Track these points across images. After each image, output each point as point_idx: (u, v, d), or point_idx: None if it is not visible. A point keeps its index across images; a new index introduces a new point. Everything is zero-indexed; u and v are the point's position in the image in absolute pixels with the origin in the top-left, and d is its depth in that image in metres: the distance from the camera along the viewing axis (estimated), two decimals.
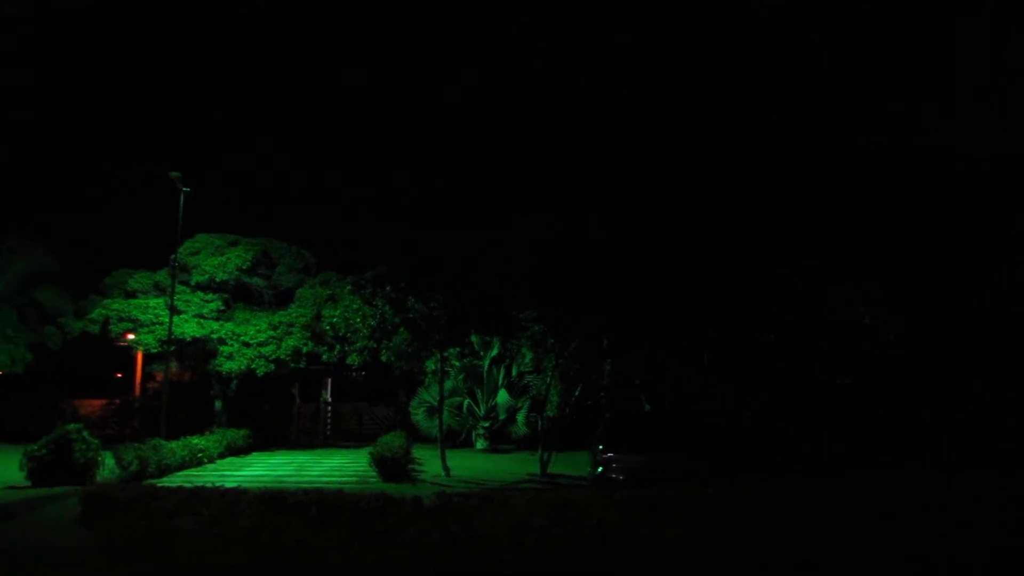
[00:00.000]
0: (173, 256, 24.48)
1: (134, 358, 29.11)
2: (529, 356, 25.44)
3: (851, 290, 19.86)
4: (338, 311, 20.80)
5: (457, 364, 24.21)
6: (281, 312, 26.60)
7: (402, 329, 18.60)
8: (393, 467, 17.43)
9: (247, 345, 25.41)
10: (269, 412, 28.96)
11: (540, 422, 21.23)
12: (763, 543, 8.22)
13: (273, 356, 25.36)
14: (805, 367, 21.01)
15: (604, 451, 14.71)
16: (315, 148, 61.86)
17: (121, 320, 25.45)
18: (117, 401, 31.16)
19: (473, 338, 20.49)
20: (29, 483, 15.97)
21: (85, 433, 16.83)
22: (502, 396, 27.34)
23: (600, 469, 14.61)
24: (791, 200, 21.63)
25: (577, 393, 20.10)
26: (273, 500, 7.93)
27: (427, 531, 7.74)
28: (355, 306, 19.32)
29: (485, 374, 27.64)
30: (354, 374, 31.18)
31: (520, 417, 26.93)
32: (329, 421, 31.63)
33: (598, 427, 16.80)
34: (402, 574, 7.38)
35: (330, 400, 31.83)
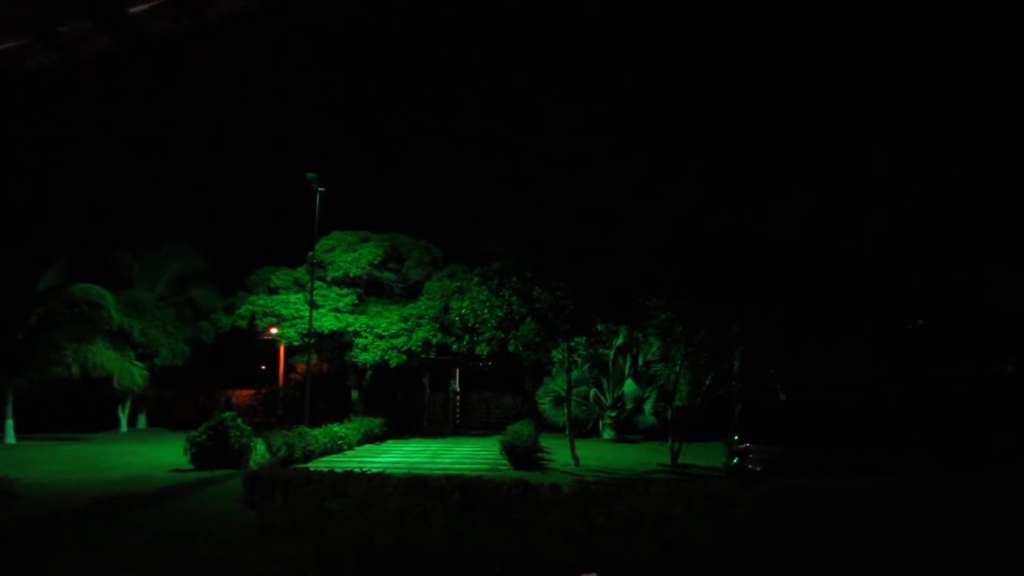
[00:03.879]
0: (311, 253, 25.82)
1: (277, 350, 31.00)
2: (656, 345, 24.99)
3: (1008, 271, 18.13)
4: (466, 302, 21.21)
5: (584, 353, 24.12)
6: (411, 305, 27.50)
7: (529, 319, 18.72)
8: (523, 455, 17.60)
9: (380, 337, 26.46)
10: (401, 401, 30.06)
11: (669, 412, 20.80)
12: (924, 542, 7.64)
13: (404, 347, 26.27)
14: (958, 354, 19.41)
15: (740, 441, 14.21)
16: (438, 142, 63.47)
17: (266, 315, 27.17)
18: (263, 391, 33.38)
19: (600, 327, 20.28)
20: (192, 466, 17.34)
21: (239, 421, 18.09)
22: (629, 386, 27.03)
23: (736, 460, 14.13)
24: (940, 176, 19.99)
25: (708, 382, 19.50)
26: (417, 485, 8.18)
27: (567, 518, 7.71)
28: (482, 297, 19.63)
29: (611, 363, 27.42)
30: (481, 364, 31.81)
31: (647, 407, 26.53)
32: (458, 410, 32.44)
33: (732, 417, 16.23)
34: (543, 560, 7.39)
35: (458, 390, 32.64)
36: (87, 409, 29.85)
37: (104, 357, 26.38)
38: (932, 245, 18.50)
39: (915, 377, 19.36)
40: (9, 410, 24.52)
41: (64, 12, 6.64)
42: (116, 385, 27.89)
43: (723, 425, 19.86)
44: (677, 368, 19.95)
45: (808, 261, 18.09)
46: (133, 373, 27.79)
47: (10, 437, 24.33)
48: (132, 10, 7.00)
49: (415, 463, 18.75)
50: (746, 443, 14.13)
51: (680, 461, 18.54)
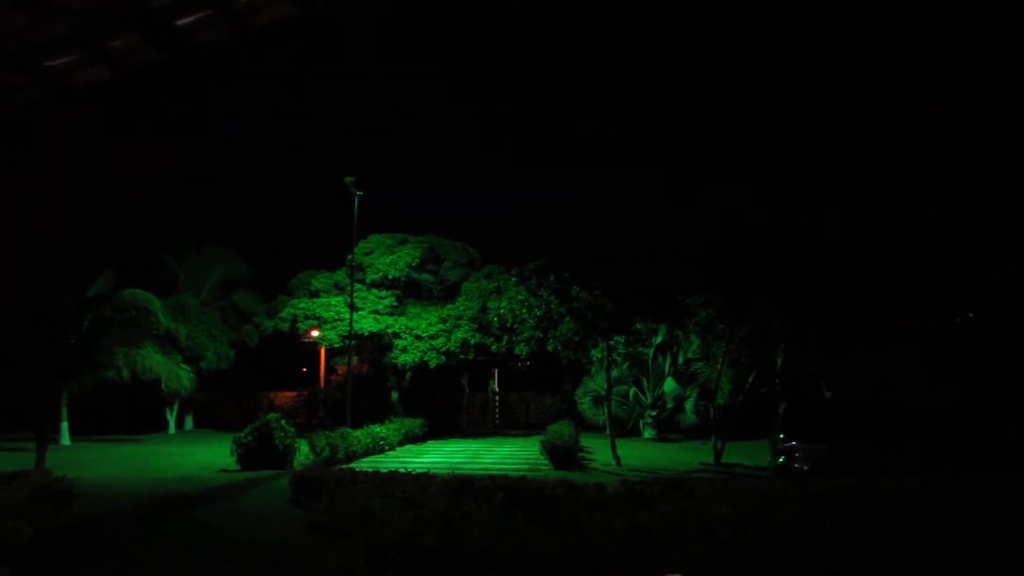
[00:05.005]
0: (350, 256, 26.14)
1: (318, 353, 31.41)
2: (697, 343, 24.73)
3: None
4: (504, 302, 21.28)
5: (623, 352, 24.00)
6: (449, 306, 27.66)
7: (567, 318, 18.70)
8: (564, 455, 17.58)
9: (419, 338, 26.66)
10: (441, 402, 30.22)
11: (711, 410, 20.57)
12: (982, 543, 7.43)
13: (443, 348, 26.43)
14: (1014, 349, 18.81)
15: (786, 440, 13.99)
16: (472, 143, 63.74)
17: (307, 318, 27.59)
18: (305, 393, 33.87)
19: (639, 325, 20.15)
20: (238, 467, 17.69)
21: (283, 422, 18.40)
22: (669, 384, 26.82)
23: (782, 459, 13.91)
24: (989, 169, 19.42)
25: (751, 380, 19.24)
26: (461, 485, 8.22)
27: (611, 518, 7.68)
28: (520, 297, 19.66)
29: (650, 362, 27.24)
30: (519, 364, 31.85)
31: (689, 405, 26.28)
32: (497, 410, 32.52)
33: (776, 415, 15.97)
34: (588, 560, 7.37)
35: (497, 390, 32.71)
36: (137, 411, 30.64)
37: (153, 360, 27.08)
38: (984, 238, 17.99)
39: (971, 374, 18.82)
40: (64, 413, 25.33)
41: (115, 26, 6.85)
42: (164, 388, 28.59)
43: (766, 424, 19.55)
44: (718, 366, 19.73)
45: (851, 257, 17.73)
46: (180, 376, 28.47)
47: (65, 439, 25.13)
48: (179, 22, 7.19)
49: (456, 463, 18.85)
50: (792, 441, 13.90)
51: (723, 460, 18.34)
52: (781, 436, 14.20)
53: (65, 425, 25.36)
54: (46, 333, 15.96)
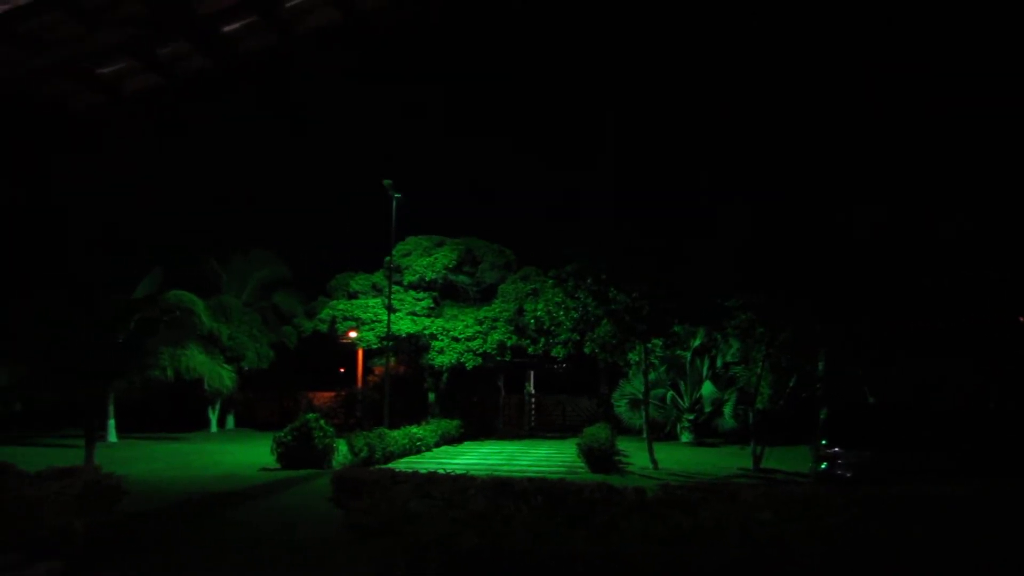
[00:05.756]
0: (388, 258, 26.39)
1: (355, 354, 31.75)
2: (735, 346, 24.43)
3: None
4: (540, 304, 21.25)
5: (660, 355, 23.81)
6: (486, 308, 27.74)
7: (605, 321, 18.60)
8: (601, 458, 17.49)
9: (456, 340, 26.80)
10: (477, 403, 30.31)
11: (750, 415, 20.29)
12: None
13: (480, 350, 26.53)
14: None
15: (829, 445, 13.72)
16: (509, 145, 63.86)
17: (345, 319, 27.92)
18: (343, 393, 34.23)
19: (677, 328, 19.96)
20: (278, 466, 17.96)
21: (322, 422, 18.64)
22: (707, 388, 26.53)
23: (824, 465, 13.65)
24: None
25: (791, 384, 18.93)
26: (500, 487, 8.24)
27: (651, 522, 7.62)
28: (557, 299, 19.63)
29: (688, 365, 26.97)
30: (555, 367, 31.80)
31: (727, 410, 25.95)
32: (533, 412, 32.50)
33: (817, 420, 15.70)
34: (628, 564, 7.32)
35: (533, 392, 32.70)
36: (180, 410, 31.29)
37: (196, 360, 27.64)
38: None
39: (1018, 377, 18.25)
40: (111, 411, 26.02)
41: (165, 34, 7.03)
42: (206, 387, 29.17)
43: (807, 429, 19.22)
44: (758, 370, 19.45)
45: (896, 261, 17.33)
46: (222, 375, 29.01)
47: (112, 436, 25.81)
48: (225, 29, 7.35)
49: (493, 465, 18.87)
50: (835, 447, 13.63)
51: (762, 466, 18.07)
52: (824, 442, 13.94)
53: (112, 423, 26.04)
54: (95, 333, 16.41)
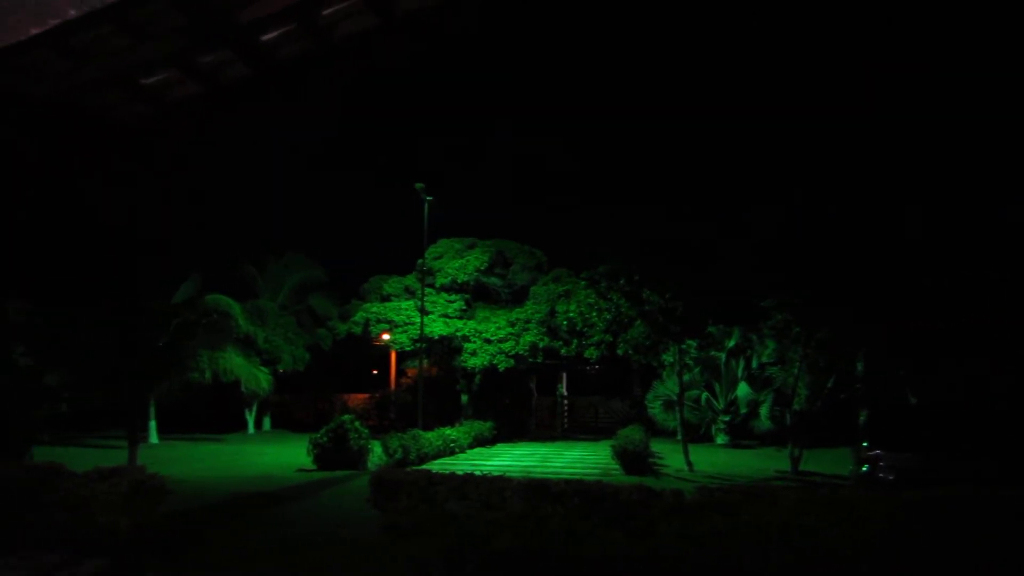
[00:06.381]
0: (420, 261, 26.56)
1: (388, 356, 32.00)
2: (771, 346, 24.11)
3: None
4: (572, 306, 21.21)
5: (695, 356, 23.60)
6: (517, 309, 27.77)
7: (638, 322, 18.51)
8: (635, 460, 17.41)
9: (488, 342, 26.86)
10: (509, 405, 30.35)
11: (787, 416, 20.02)
12: None
13: (512, 352, 26.56)
14: None
15: (870, 448, 13.47)
16: (540, 146, 63.85)
17: (379, 321, 28.14)
18: (376, 395, 34.57)
19: (712, 328, 19.79)
20: (315, 466, 18.19)
21: (357, 424, 18.82)
22: (742, 389, 26.24)
23: (866, 468, 13.40)
24: None
25: (829, 385, 18.62)
26: (537, 488, 8.23)
27: (690, 525, 7.57)
28: (590, 300, 19.59)
29: (723, 366, 26.70)
30: (588, 368, 31.71)
31: (763, 411, 25.64)
32: (565, 414, 32.44)
33: (856, 422, 15.42)
34: (666, 566, 7.28)
35: (566, 393, 32.63)
36: (219, 411, 31.84)
37: (233, 363, 28.12)
38: None
39: None
40: (152, 412, 26.59)
41: (206, 43, 7.18)
42: (244, 389, 29.65)
43: (846, 431, 18.88)
44: (795, 370, 19.17)
45: (940, 256, 16.93)
46: (259, 378, 29.46)
47: (153, 437, 26.38)
48: (264, 37, 7.48)
49: (527, 467, 18.89)
50: (877, 450, 13.37)
51: (801, 468, 17.81)
52: (865, 444, 13.71)
53: (153, 424, 26.61)
54: (138, 337, 16.79)
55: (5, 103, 7.18)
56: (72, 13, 5.62)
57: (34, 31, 5.98)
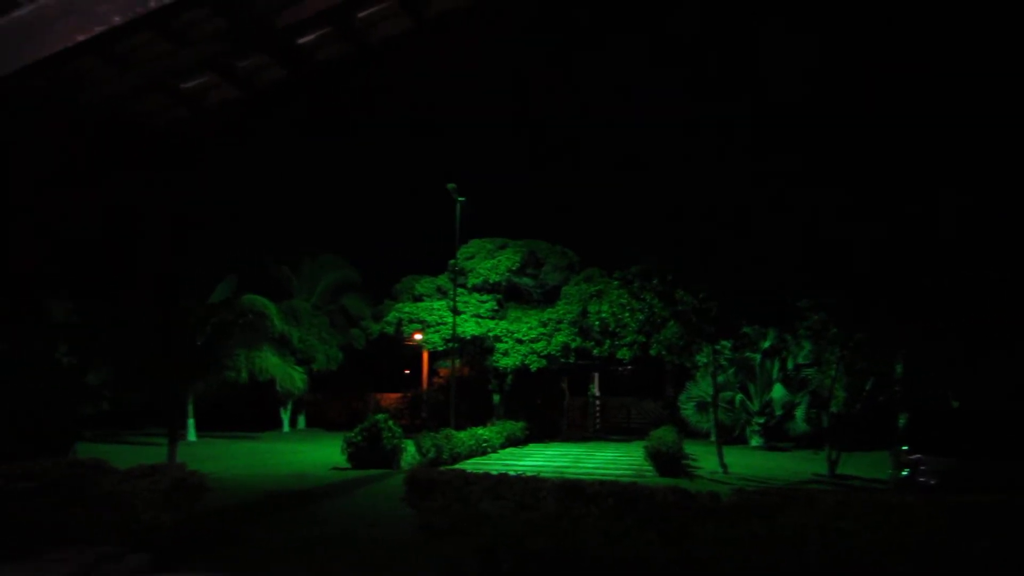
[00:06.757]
0: (452, 261, 26.67)
1: (420, 356, 32.20)
2: (807, 348, 23.74)
3: None
4: (604, 306, 21.12)
5: (729, 357, 23.33)
6: (549, 309, 27.74)
7: (671, 322, 18.37)
8: (668, 462, 17.28)
9: (520, 342, 26.88)
10: (541, 405, 30.32)
11: (823, 418, 19.69)
12: None
13: (544, 352, 26.54)
14: None
15: (910, 452, 13.18)
16: (573, 147, 63.78)
17: (411, 321, 28.33)
18: (409, 395, 34.81)
19: (746, 329, 19.54)
20: (349, 465, 18.37)
21: (391, 423, 18.96)
22: (777, 391, 25.89)
23: (905, 472, 13.11)
24: None
25: (867, 387, 18.27)
26: (571, 489, 8.23)
27: (726, 527, 7.49)
28: (623, 300, 19.47)
29: (757, 367, 26.37)
30: (620, 369, 31.57)
31: (799, 413, 25.26)
32: (598, 414, 32.33)
33: (895, 425, 15.09)
34: (703, 570, 7.21)
35: (598, 394, 32.52)
36: (254, 410, 32.34)
37: (268, 362, 28.53)
38: None
39: None
40: (191, 410, 27.10)
41: (244, 47, 7.29)
42: (278, 388, 30.06)
43: (884, 434, 18.51)
44: (832, 372, 18.86)
45: (982, 254, 16.51)
46: (293, 377, 29.85)
47: (191, 435, 26.89)
48: (301, 40, 7.57)
49: (559, 467, 18.86)
50: (917, 454, 13.08)
51: (838, 471, 17.52)
52: (905, 448, 13.41)
53: (191, 422, 27.12)
54: (177, 337, 17.13)
55: (54, 110, 7.39)
56: (117, 20, 5.76)
57: (80, 38, 6.14)
